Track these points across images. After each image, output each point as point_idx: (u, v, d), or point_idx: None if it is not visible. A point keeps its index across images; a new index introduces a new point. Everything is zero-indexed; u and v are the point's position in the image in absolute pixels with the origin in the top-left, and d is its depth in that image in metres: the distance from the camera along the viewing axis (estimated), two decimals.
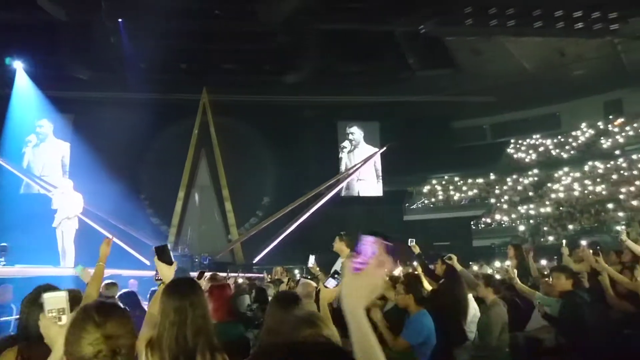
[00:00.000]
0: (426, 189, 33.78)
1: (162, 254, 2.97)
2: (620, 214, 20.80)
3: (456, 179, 33.98)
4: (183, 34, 24.67)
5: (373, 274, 1.23)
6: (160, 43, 23.80)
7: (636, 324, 5.55)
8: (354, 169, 31.64)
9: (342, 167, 32.75)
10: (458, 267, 6.72)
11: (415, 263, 8.48)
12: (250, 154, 28.59)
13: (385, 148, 31.07)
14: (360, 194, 32.65)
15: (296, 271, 14.90)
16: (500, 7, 26.68)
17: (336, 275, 3.06)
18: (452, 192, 32.57)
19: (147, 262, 17.33)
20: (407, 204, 32.45)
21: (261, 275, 14.51)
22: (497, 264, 12.98)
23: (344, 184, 30.95)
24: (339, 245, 6.20)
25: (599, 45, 28.04)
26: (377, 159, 32.61)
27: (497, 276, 8.25)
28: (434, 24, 26.62)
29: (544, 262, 8.23)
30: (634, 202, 21.41)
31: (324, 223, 22.00)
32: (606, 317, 5.67)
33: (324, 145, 32.16)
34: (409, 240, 7.20)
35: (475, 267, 11.66)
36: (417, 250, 7.13)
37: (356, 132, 34.11)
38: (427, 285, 6.64)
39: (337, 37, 27.13)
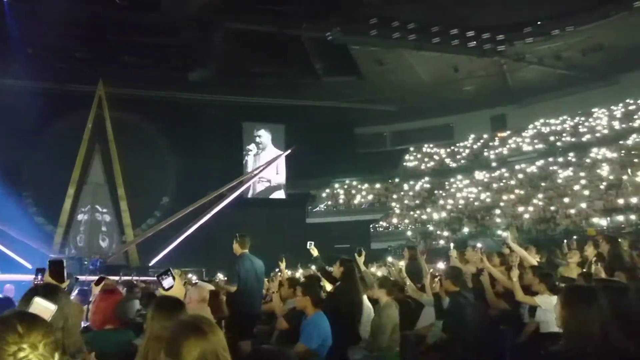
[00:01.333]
0: (328, 192, 34.53)
1: (55, 271, 2.77)
2: (499, 220, 22.75)
3: (356, 183, 35.12)
4: (79, 20, 22.96)
5: None
6: (52, 28, 21.97)
7: (510, 321, 6.11)
8: (258, 170, 31.51)
9: (248, 169, 32.51)
10: (362, 266, 6.96)
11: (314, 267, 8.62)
12: (150, 152, 27.37)
13: (289, 151, 31.31)
14: (264, 197, 32.63)
15: (191, 275, 14.25)
16: (402, 21, 28.11)
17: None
18: (353, 196, 33.61)
19: (29, 266, 15.94)
20: (309, 207, 32.93)
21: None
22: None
23: (247, 186, 30.70)
24: (235, 247, 6.17)
25: (488, 64, 30.57)
26: (282, 162, 32.77)
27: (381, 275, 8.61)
28: (340, 32, 27.35)
29: (440, 265, 8.75)
30: (514, 209, 23.55)
31: (226, 225, 21.59)
32: (486, 315, 6.18)
33: (229, 145, 31.71)
34: (308, 243, 7.30)
35: (373, 269, 12.10)
36: (315, 253, 7.25)
37: (264, 135, 34.07)
38: (328, 287, 6.80)
39: (246, 37, 26.89)
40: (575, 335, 2.65)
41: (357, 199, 33.24)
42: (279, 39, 26.87)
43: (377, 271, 10.06)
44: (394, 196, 32.43)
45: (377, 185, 34.43)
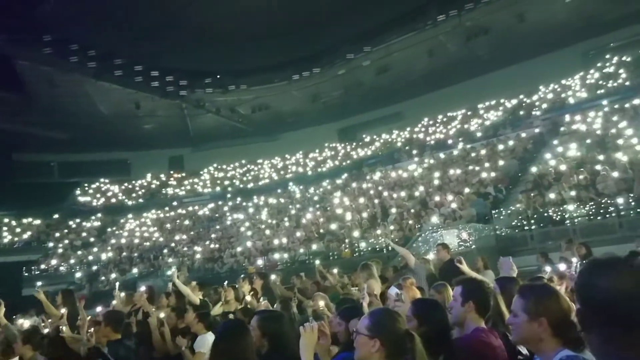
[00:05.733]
0: None
1: None
2: (171, 259, 22.89)
3: (7, 219, 29.74)
4: None
5: None
6: None
7: None
8: None
9: None
10: (3, 320, 5.79)
11: None
12: None
13: None
14: None
15: None
16: (83, 45, 26.18)
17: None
18: (4, 234, 28.32)
19: None
20: None
21: None
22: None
23: None
24: None
25: (170, 106, 31.27)
26: None
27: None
28: (6, 41, 23.57)
29: (98, 308, 8.02)
30: (186, 249, 24.11)
31: None
32: (151, 357, 5.99)
33: None
34: None
35: (20, 320, 10.28)
36: None
37: None
38: None
39: None
40: None
41: (8, 238, 28.16)
42: None
43: (27, 322, 8.59)
44: (57, 234, 28.84)
45: (37, 222, 30.02)
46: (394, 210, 17.78)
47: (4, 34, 23.53)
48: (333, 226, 18.51)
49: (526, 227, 13.50)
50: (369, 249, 16.06)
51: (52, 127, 29.51)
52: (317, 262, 10.74)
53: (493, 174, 17.40)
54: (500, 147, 20.87)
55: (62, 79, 26.84)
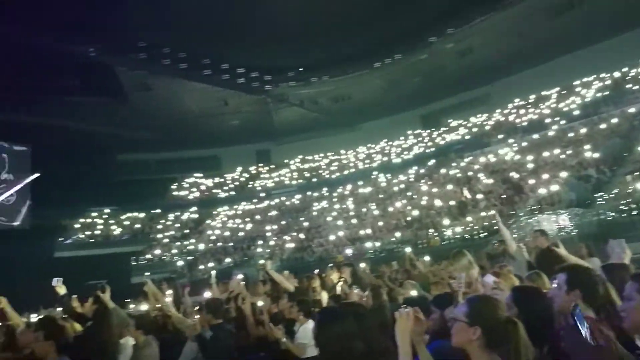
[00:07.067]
0: (83, 223, 31.07)
1: None
2: (262, 249, 23.77)
3: (115, 213, 32.47)
4: None
5: None
6: None
7: (270, 347, 6.32)
8: None
9: None
10: (111, 304, 6.32)
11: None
12: None
13: (36, 176, 27.31)
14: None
15: None
16: (173, 48, 27.77)
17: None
18: (113, 227, 30.94)
19: None
20: (60, 239, 29.00)
21: None
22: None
23: None
24: None
25: (255, 101, 32.34)
26: (26, 187, 28.27)
27: None
28: (104, 50, 25.52)
29: (206, 293, 8.46)
30: (274, 239, 24.90)
31: None
32: (247, 344, 6.28)
33: None
34: (55, 279, 6.40)
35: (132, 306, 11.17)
36: (62, 291, 6.38)
37: (2, 157, 28.81)
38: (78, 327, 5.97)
39: None
40: (330, 354, 2.86)
41: (118, 230, 30.73)
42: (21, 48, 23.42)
43: (141, 306, 9.31)
44: (159, 226, 31.01)
45: (141, 215, 32.48)
46: (482, 196, 17.12)
47: (100, 43, 25.41)
48: (420, 214, 18.21)
49: (634, 212, 12.38)
50: (457, 236, 15.62)
51: (148, 128, 31.59)
52: (408, 249, 10.59)
53: (594, 155, 16.17)
54: (602, 125, 19.31)
55: (155, 82, 28.64)
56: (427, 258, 8.69)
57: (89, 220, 31.51)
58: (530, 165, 18.05)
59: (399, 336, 2.47)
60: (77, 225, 30.63)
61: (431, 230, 16.90)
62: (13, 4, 21.63)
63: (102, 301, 5.77)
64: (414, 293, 4.93)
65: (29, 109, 25.96)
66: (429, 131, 31.98)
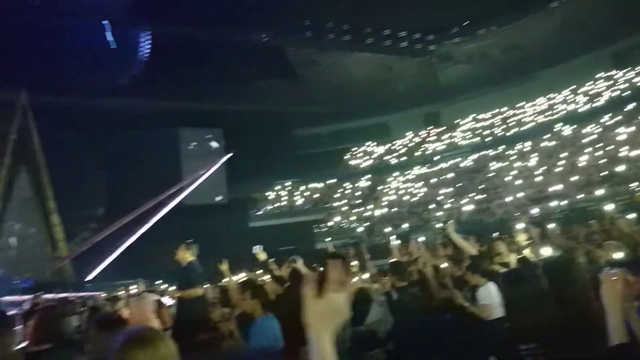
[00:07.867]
0: (270, 195, 34.28)
1: None
2: (438, 213, 23.44)
3: (297, 184, 35.08)
4: None
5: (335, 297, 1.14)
6: None
7: (454, 309, 6.27)
8: (198, 176, 30.76)
9: (185, 175, 31.62)
10: (304, 269, 6.88)
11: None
12: (79, 162, 26.01)
13: (229, 155, 30.79)
14: (204, 202, 31.85)
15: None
16: (336, 22, 28.48)
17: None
18: (295, 198, 33.53)
19: None
20: (253, 211, 32.53)
21: (98, 293, 13.22)
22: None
23: (186, 192, 29.88)
24: (183, 254, 5.93)
25: (419, 64, 31.57)
26: (221, 166, 32.19)
27: None
28: (274, 34, 27.30)
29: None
30: (451, 202, 24.36)
31: (166, 234, 20.74)
32: (431, 305, 6.32)
33: (164, 151, 30.71)
34: (255, 247, 7.18)
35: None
36: (263, 257, 7.14)
37: (200, 139, 33.30)
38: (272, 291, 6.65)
39: (170, 41, 26.14)
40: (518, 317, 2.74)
41: (300, 201, 33.21)
42: (208, 42, 26.33)
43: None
44: (336, 195, 32.66)
45: (318, 185, 34.55)
46: None
47: (271, 30, 27.18)
48: (620, 167, 16.03)
49: None
50: None
51: (319, 102, 33.16)
52: (611, 206, 9.38)
53: None
54: None
55: (322, 57, 29.77)
56: (631, 216, 7.65)
57: (274, 193, 34.61)
58: None
59: (608, 301, 2.23)
60: (267, 197, 33.94)
61: (634, 184, 14.78)
62: (195, 9, 24.38)
63: (297, 269, 6.29)
64: (618, 255, 4.40)
65: (219, 98, 29.21)
66: (623, 71, 27.61)
